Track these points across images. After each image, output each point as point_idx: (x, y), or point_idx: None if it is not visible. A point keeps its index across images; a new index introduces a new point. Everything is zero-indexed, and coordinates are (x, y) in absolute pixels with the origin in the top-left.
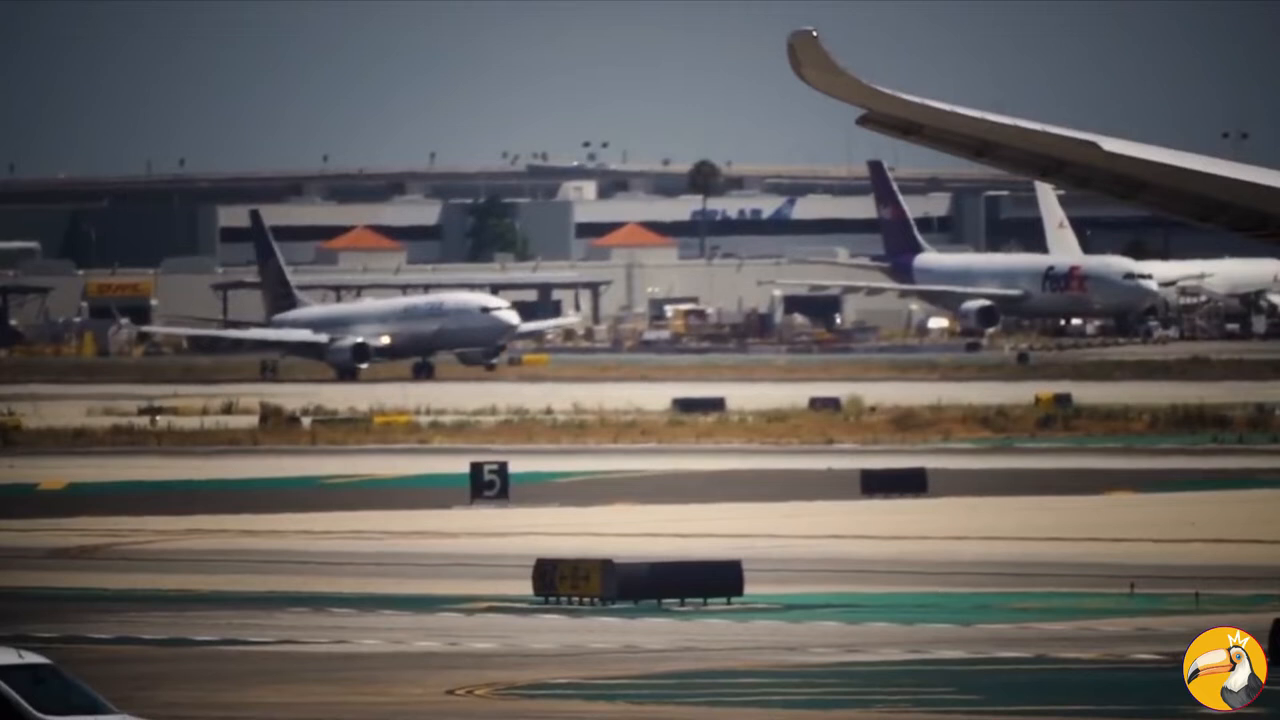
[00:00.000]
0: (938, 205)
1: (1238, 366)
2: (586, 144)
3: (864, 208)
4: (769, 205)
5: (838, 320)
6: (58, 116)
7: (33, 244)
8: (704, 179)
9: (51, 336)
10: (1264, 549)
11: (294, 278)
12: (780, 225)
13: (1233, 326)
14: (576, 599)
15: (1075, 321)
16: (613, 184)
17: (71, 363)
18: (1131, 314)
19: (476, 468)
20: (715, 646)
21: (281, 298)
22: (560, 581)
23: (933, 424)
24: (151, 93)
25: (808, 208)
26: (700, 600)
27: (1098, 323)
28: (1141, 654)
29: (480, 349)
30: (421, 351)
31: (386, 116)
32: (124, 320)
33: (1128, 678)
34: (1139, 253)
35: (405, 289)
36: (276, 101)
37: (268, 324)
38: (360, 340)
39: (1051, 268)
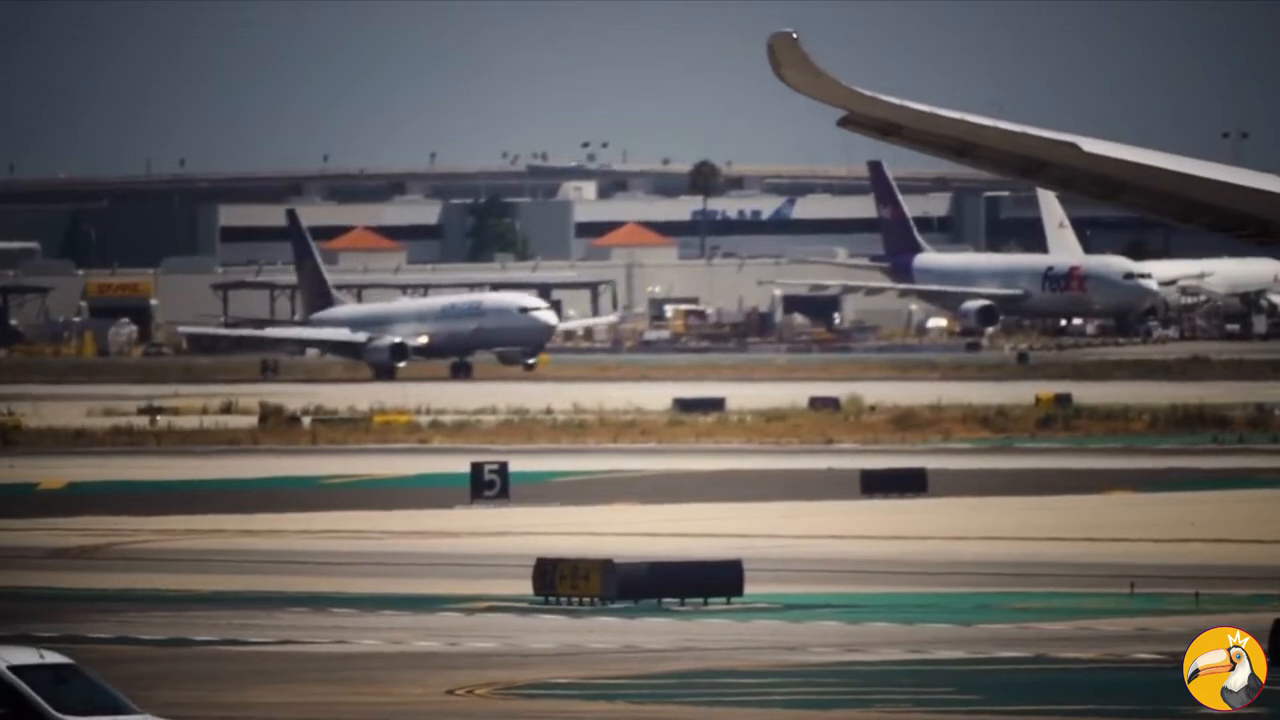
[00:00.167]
0: (938, 205)
1: (1238, 366)
2: (586, 144)
3: (864, 208)
4: (769, 205)
5: (837, 320)
6: (58, 116)
7: (33, 244)
8: (704, 179)
9: (51, 336)
10: (1264, 549)
11: (293, 277)
12: (780, 225)
13: (1233, 326)
14: (576, 599)
15: (1075, 321)
16: (612, 184)
17: (71, 363)
18: (1131, 314)
19: (476, 468)
20: (715, 646)
21: (319, 296)
22: (560, 581)
23: (933, 424)
24: (151, 93)
25: (807, 208)
26: (700, 600)
27: (1098, 323)
28: (1141, 654)
29: (519, 349)
30: (459, 351)
31: (386, 116)
32: (157, 323)
33: (1128, 678)
34: (1139, 253)
35: (405, 289)
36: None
37: (305, 323)
38: (398, 340)
39: (1051, 268)
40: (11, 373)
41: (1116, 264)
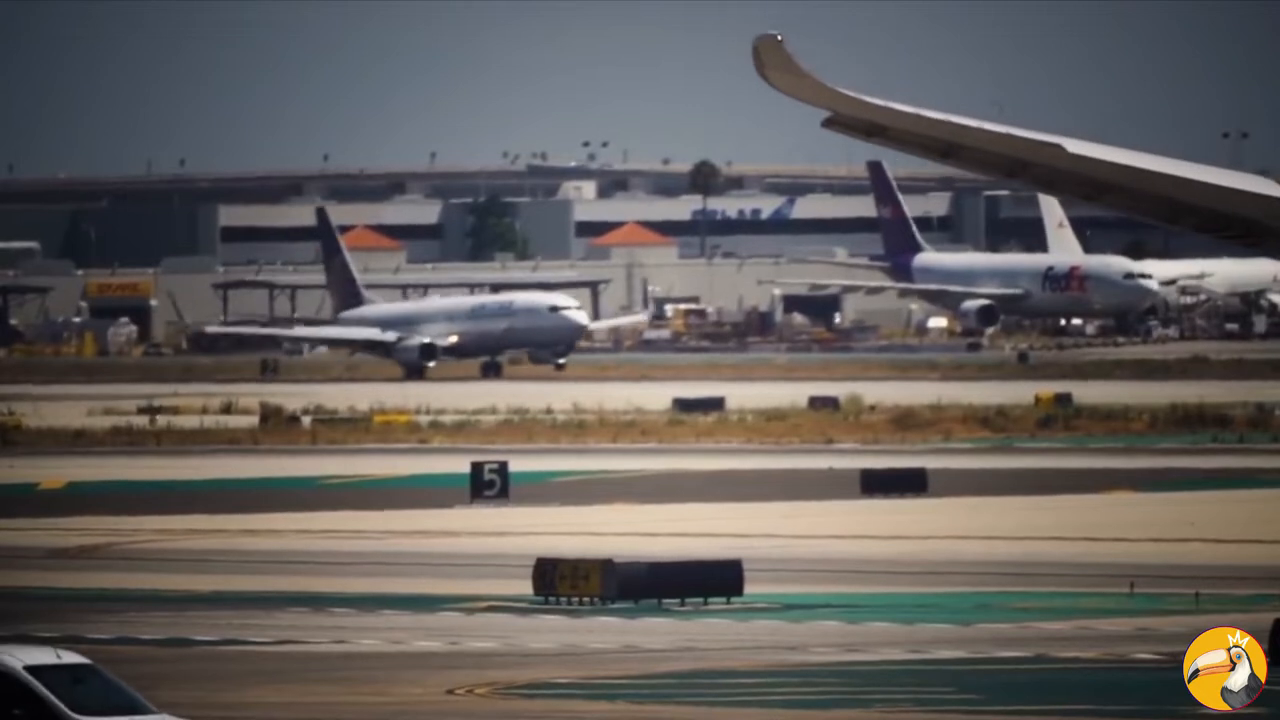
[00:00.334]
0: (938, 205)
1: (1238, 366)
2: (586, 144)
3: (864, 207)
4: (769, 205)
5: (837, 320)
6: (58, 116)
7: (33, 244)
8: (704, 179)
9: (51, 336)
10: (1264, 549)
11: (294, 277)
12: (780, 225)
13: (1233, 326)
14: (576, 599)
15: (1075, 321)
16: (613, 184)
17: (71, 363)
18: (1131, 314)
19: (476, 467)
20: (715, 646)
21: (349, 295)
22: (560, 581)
23: (933, 424)
24: (151, 93)
25: (807, 207)
26: (700, 600)
27: (1098, 322)
28: (1141, 654)
29: (550, 349)
30: (490, 351)
31: (386, 116)
32: (190, 324)
33: (1128, 678)
34: (1139, 253)
35: (405, 289)
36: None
37: (334, 322)
38: (428, 340)
39: (1051, 267)
40: (11, 373)
41: (1116, 264)
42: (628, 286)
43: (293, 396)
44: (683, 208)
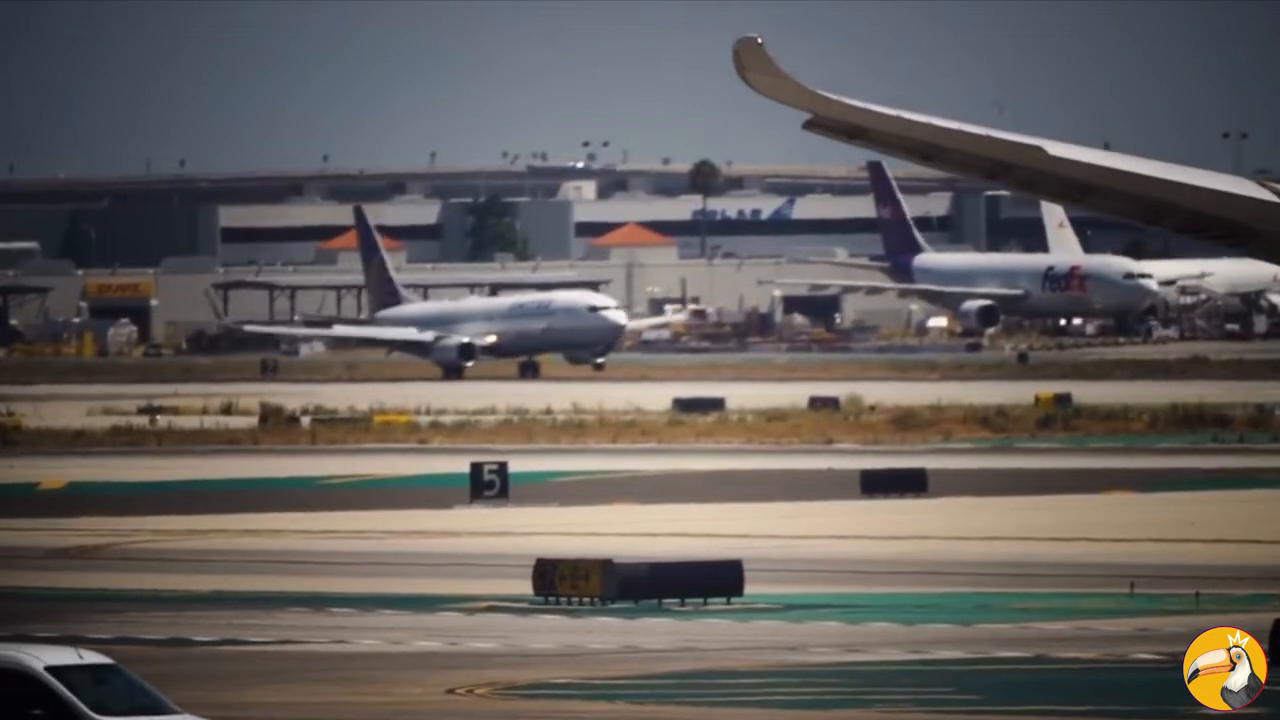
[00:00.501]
0: (938, 205)
1: (1238, 366)
2: (586, 144)
3: (864, 207)
4: (769, 205)
5: (837, 320)
6: (58, 116)
7: (33, 244)
8: (704, 179)
9: (51, 336)
10: (1264, 549)
11: (295, 278)
12: (780, 225)
13: (1233, 326)
14: (576, 599)
15: (1075, 321)
16: (613, 184)
17: (71, 363)
18: (1131, 314)
19: (476, 468)
20: (715, 646)
21: (387, 294)
22: (560, 581)
23: (933, 424)
24: (151, 93)
25: (807, 208)
26: (700, 600)
27: (1098, 323)
28: (1141, 654)
29: (588, 349)
30: (528, 351)
31: (386, 116)
32: (226, 322)
33: (1128, 678)
34: (1139, 253)
35: (405, 288)
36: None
37: (371, 321)
38: (466, 339)
39: (1051, 267)
40: (11, 373)
41: (1116, 264)
42: (627, 287)
43: (293, 396)
44: (683, 208)
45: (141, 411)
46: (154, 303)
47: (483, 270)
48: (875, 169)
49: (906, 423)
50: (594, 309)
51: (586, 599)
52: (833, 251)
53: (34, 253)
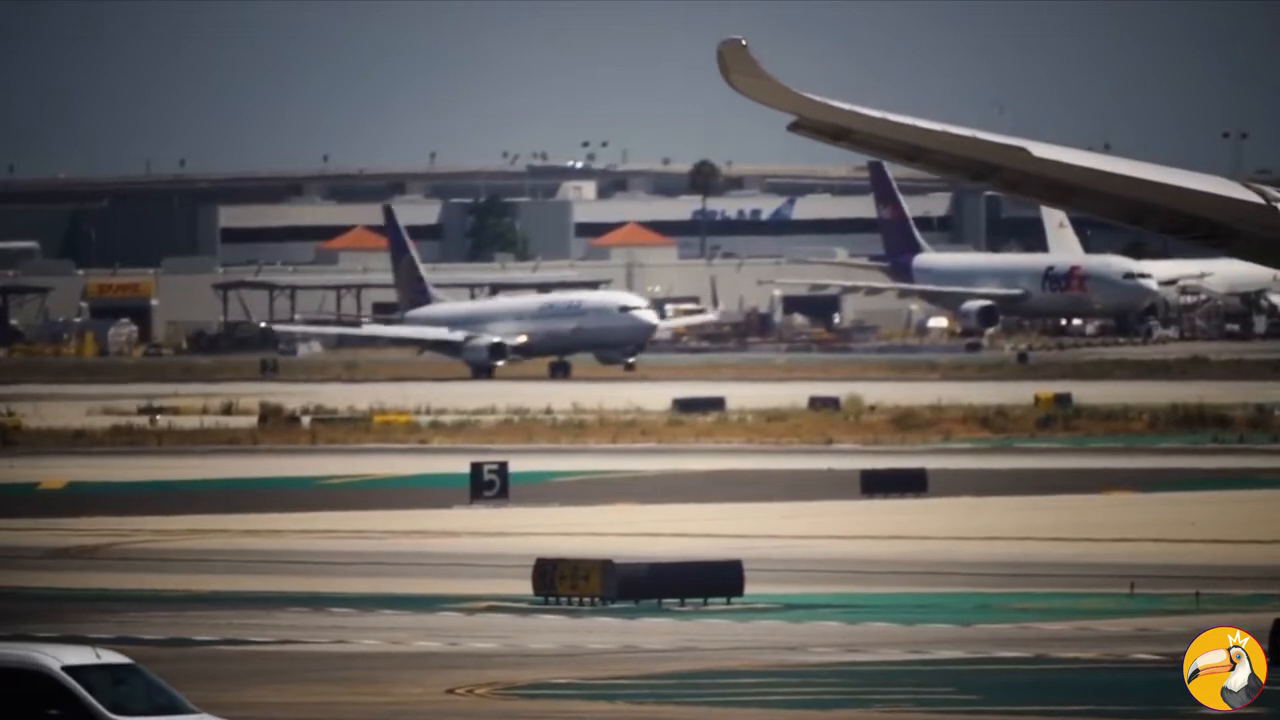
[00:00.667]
0: (938, 205)
1: (1238, 366)
2: (586, 144)
3: (864, 208)
4: (769, 205)
5: (837, 320)
6: (58, 116)
7: (33, 244)
8: (704, 179)
9: (51, 336)
10: (1264, 549)
11: (294, 278)
12: (780, 225)
13: (1233, 326)
14: (576, 599)
15: (1075, 321)
16: (612, 184)
17: (71, 363)
18: (1131, 314)
19: (476, 468)
20: (715, 646)
21: (417, 293)
22: (560, 581)
23: (933, 424)
24: (151, 93)
25: (807, 208)
26: (700, 600)
27: (1098, 323)
28: (1141, 654)
29: (619, 349)
30: (558, 350)
31: (386, 116)
32: (264, 324)
33: (1128, 678)
34: (1139, 252)
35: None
36: (276, 101)
37: (402, 320)
38: (497, 339)
39: (1051, 267)
40: (11, 373)
41: (1116, 264)
42: (627, 287)
43: (292, 396)
44: (683, 208)
45: (141, 411)
46: (154, 303)
47: (483, 270)
48: (875, 169)
49: (906, 423)
50: (625, 309)
51: (586, 599)
52: (833, 251)
53: (34, 253)
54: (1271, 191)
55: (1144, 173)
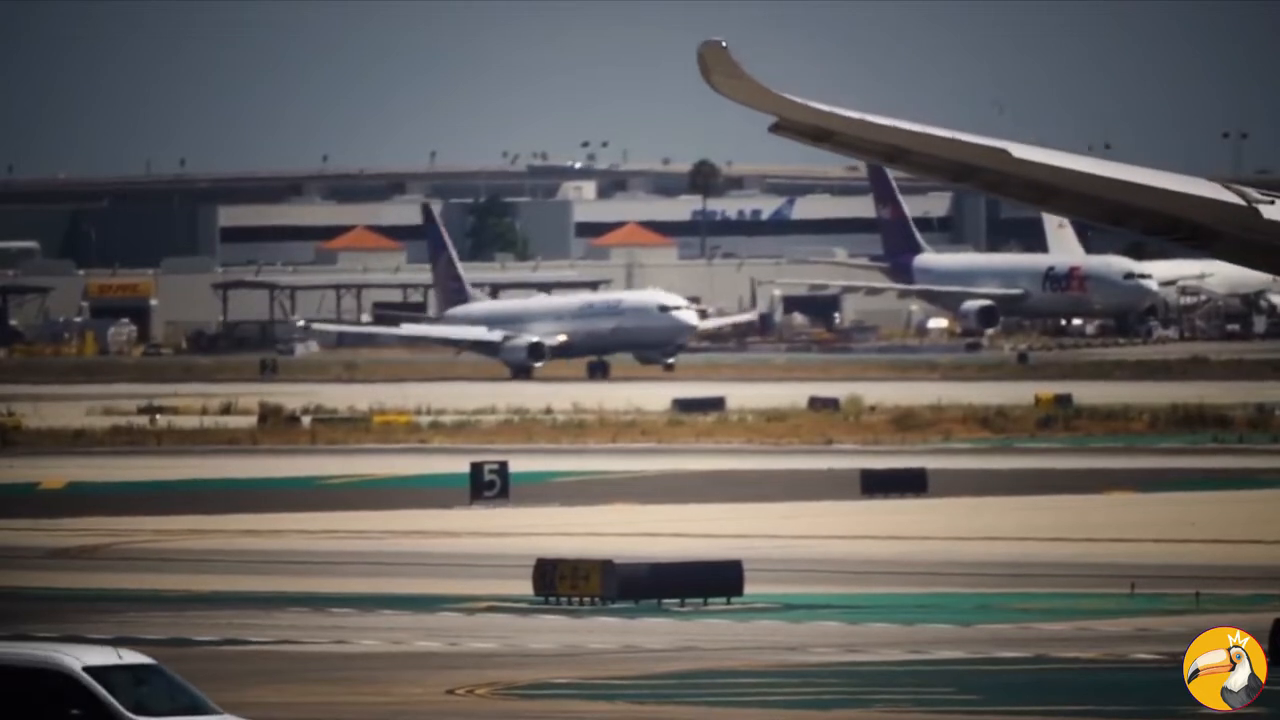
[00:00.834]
0: (938, 205)
1: (1238, 366)
2: (586, 144)
3: (863, 208)
4: (769, 205)
5: (837, 320)
6: (58, 116)
7: (33, 244)
8: (704, 179)
9: (51, 336)
10: (1264, 549)
11: (294, 278)
12: (780, 225)
13: (1233, 326)
14: (576, 599)
15: (1075, 321)
16: (612, 184)
17: (71, 363)
18: (1131, 314)
19: (476, 468)
20: (715, 646)
21: (454, 293)
22: (560, 581)
23: (933, 424)
24: (151, 93)
25: (807, 208)
26: (700, 600)
27: (1098, 323)
28: (1141, 654)
29: (658, 349)
30: (598, 350)
31: (386, 116)
32: (303, 323)
33: (1128, 678)
34: (1139, 253)
35: (405, 289)
36: (276, 101)
37: (440, 319)
38: (535, 339)
39: (1051, 268)
40: (11, 373)
41: (1117, 264)
42: (627, 287)
43: (292, 396)
44: (683, 208)
45: (141, 411)
46: (154, 303)
47: (483, 270)
48: (875, 169)
49: (906, 423)
50: (664, 309)
51: (586, 599)
52: (833, 251)
53: (34, 253)
54: (1252, 193)
55: (1124, 174)
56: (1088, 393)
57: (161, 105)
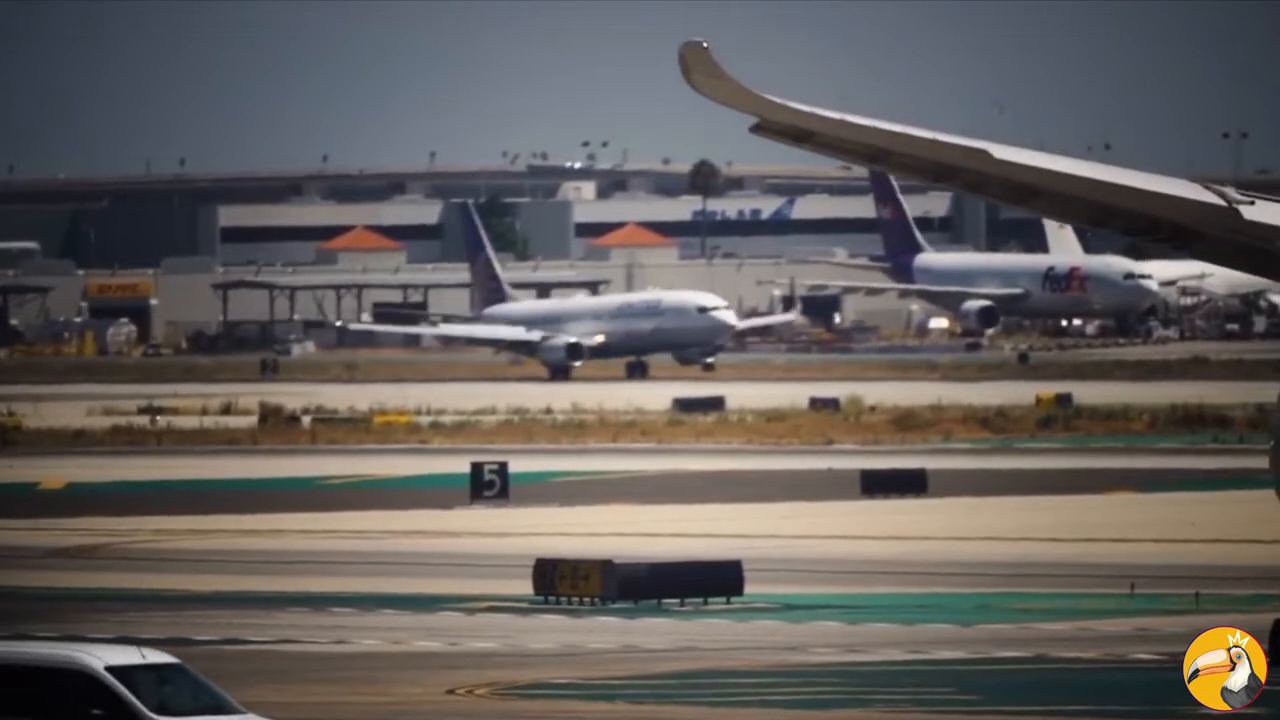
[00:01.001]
0: (938, 205)
1: (1238, 366)
2: (586, 144)
3: (864, 208)
4: (769, 205)
5: (837, 320)
6: (58, 116)
7: (33, 244)
8: (704, 179)
9: (51, 336)
10: (1264, 549)
11: (294, 278)
12: (780, 225)
13: (1233, 326)
14: (576, 599)
15: (1075, 321)
16: (612, 184)
17: (71, 363)
18: (1131, 314)
19: (476, 468)
20: (715, 646)
21: (492, 292)
22: (560, 581)
23: (933, 424)
24: (151, 93)
25: (807, 208)
26: (700, 600)
27: (1098, 323)
28: (1141, 654)
29: (697, 349)
30: (636, 351)
31: (386, 116)
32: (341, 323)
33: (1128, 678)
34: (1139, 253)
35: (405, 289)
36: (276, 101)
37: (477, 319)
38: (574, 339)
39: (1052, 268)
40: (11, 373)
41: (1117, 264)
42: (627, 288)
43: (293, 396)
44: (683, 208)
45: (141, 411)
46: (154, 303)
47: None
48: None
49: (906, 423)
50: (703, 309)
51: (586, 599)
52: (833, 251)
53: (34, 253)
54: (1232, 193)
55: (1104, 175)
56: (1088, 393)
57: (161, 105)
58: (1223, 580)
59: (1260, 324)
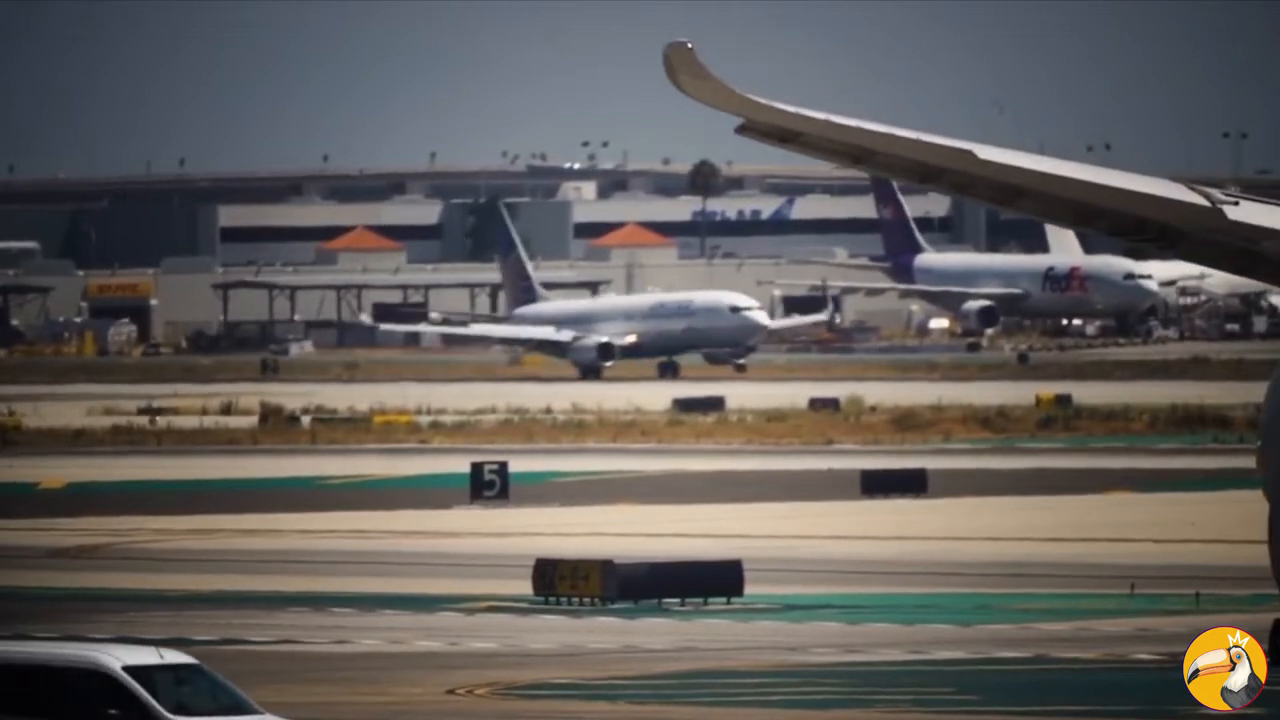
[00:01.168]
0: (938, 205)
1: (1238, 366)
2: (586, 144)
3: (864, 208)
4: (768, 205)
5: (837, 320)
6: (58, 116)
7: (33, 244)
8: (704, 179)
9: (51, 336)
10: (1264, 549)
11: (294, 278)
12: (780, 225)
13: (1233, 326)
14: (576, 599)
15: (1075, 321)
16: (612, 184)
17: (71, 363)
18: (1131, 314)
19: (476, 468)
20: (715, 646)
21: (523, 291)
22: (560, 581)
23: (933, 424)
24: (151, 93)
25: (807, 208)
26: (700, 600)
27: (1098, 323)
28: (1141, 654)
29: (729, 349)
30: (668, 351)
31: (386, 116)
32: (375, 323)
33: (1128, 678)
34: (1139, 253)
35: (405, 289)
36: (276, 101)
37: (508, 319)
38: (605, 339)
39: (1052, 268)
40: (11, 373)
41: (1117, 264)
42: (627, 288)
43: (293, 396)
44: (682, 208)
45: (141, 411)
46: (154, 303)
47: (483, 270)
48: None
49: (906, 423)
50: (735, 309)
51: (586, 599)
52: (833, 251)
53: (34, 253)
54: (1216, 194)
55: (1089, 175)
56: (1088, 393)
57: (161, 105)
58: (1223, 580)
59: (1260, 324)
